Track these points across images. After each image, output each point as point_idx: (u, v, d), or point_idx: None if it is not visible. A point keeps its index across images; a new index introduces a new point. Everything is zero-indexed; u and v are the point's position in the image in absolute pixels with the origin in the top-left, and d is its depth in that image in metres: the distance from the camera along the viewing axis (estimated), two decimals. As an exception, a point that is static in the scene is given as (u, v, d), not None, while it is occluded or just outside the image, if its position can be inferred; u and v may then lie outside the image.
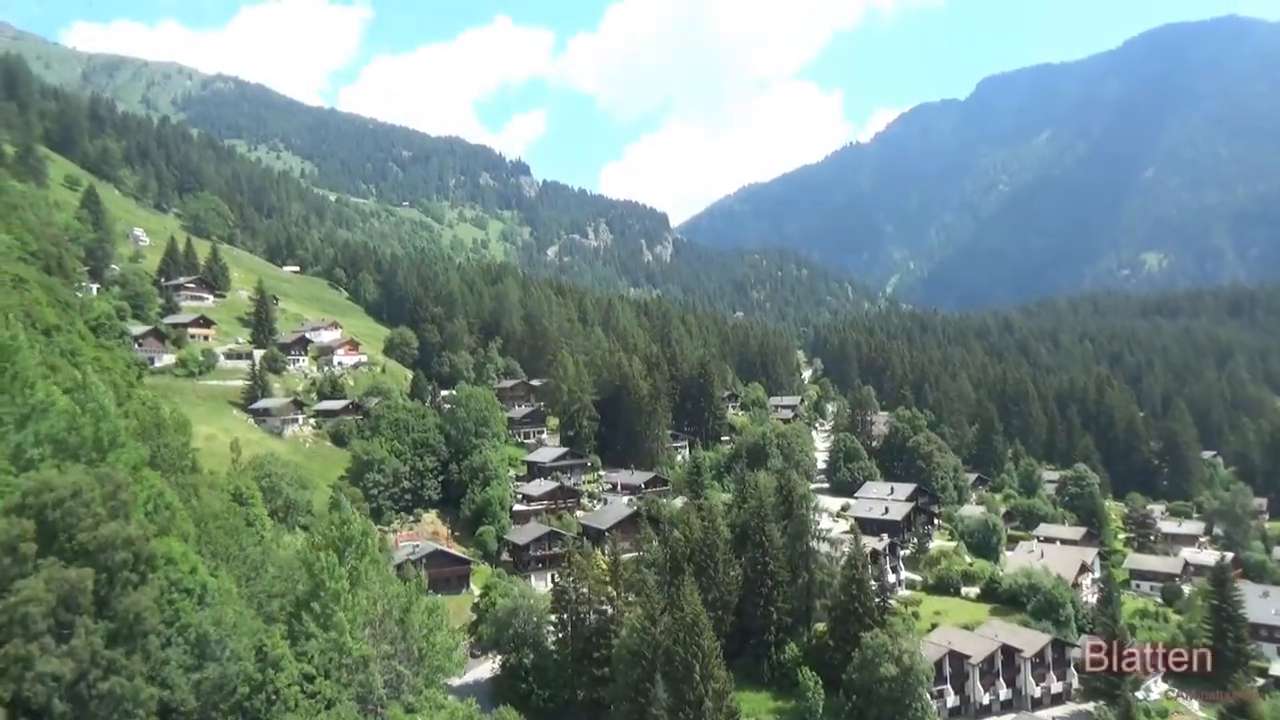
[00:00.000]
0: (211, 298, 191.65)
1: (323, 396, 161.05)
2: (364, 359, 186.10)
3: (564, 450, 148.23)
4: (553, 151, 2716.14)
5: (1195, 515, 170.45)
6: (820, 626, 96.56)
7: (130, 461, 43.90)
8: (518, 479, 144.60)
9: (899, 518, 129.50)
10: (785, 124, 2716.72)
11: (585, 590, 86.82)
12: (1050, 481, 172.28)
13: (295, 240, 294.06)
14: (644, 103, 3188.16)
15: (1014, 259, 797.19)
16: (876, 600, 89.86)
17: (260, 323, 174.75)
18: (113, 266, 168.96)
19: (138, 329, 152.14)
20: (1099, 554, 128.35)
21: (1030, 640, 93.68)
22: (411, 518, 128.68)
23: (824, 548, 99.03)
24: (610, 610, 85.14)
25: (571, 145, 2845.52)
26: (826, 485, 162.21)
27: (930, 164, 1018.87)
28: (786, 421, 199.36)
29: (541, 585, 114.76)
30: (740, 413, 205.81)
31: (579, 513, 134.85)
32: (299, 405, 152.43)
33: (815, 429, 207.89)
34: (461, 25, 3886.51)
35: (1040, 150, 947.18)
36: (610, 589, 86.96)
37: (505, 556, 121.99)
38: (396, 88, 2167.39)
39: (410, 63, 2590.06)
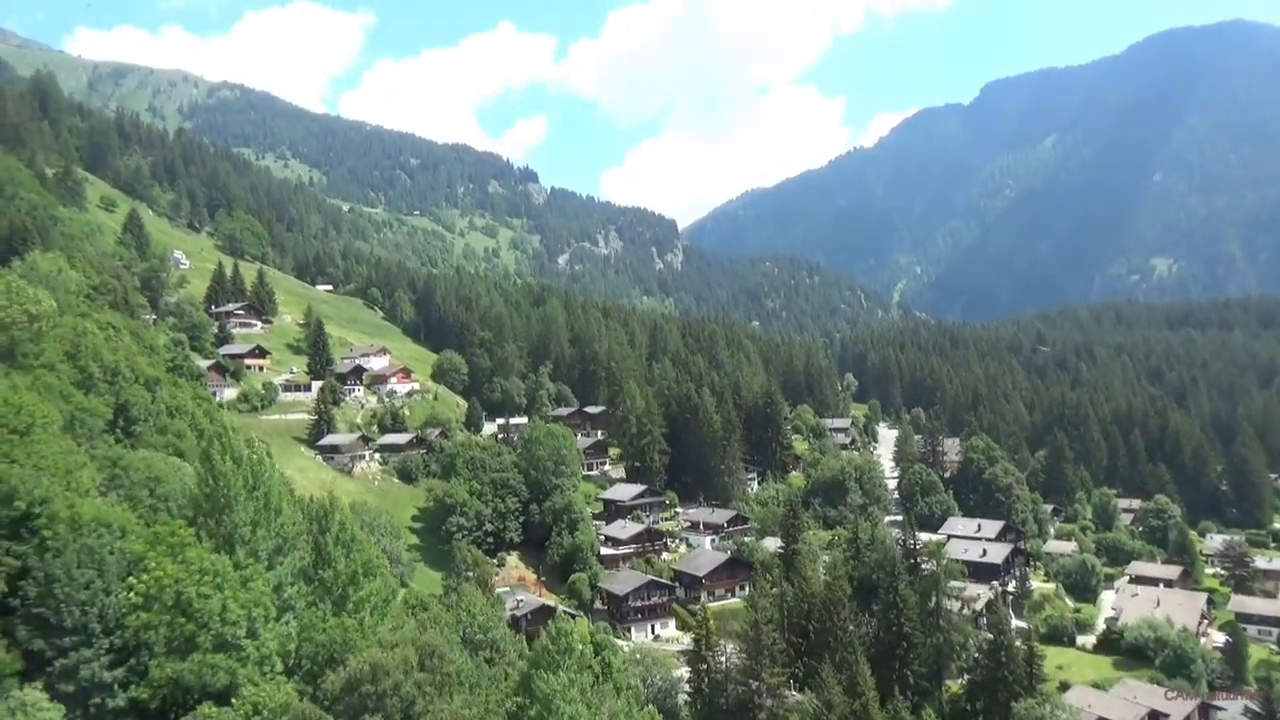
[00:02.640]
0: (260, 324, 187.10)
1: (384, 429, 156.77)
2: (416, 386, 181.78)
3: (642, 488, 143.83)
4: (553, 156, 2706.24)
5: (1273, 545, 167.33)
6: (954, 687, 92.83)
7: (382, 594, 39.77)
8: (594, 517, 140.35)
9: (999, 560, 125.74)
10: (787, 128, 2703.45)
11: (724, 659, 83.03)
12: (1127, 512, 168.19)
13: (324, 257, 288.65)
14: (645, 107, 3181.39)
15: (1021, 264, 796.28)
16: (1025, 665, 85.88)
17: (317, 352, 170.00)
18: (166, 297, 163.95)
19: (199, 363, 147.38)
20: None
21: (1176, 705, 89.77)
22: (495, 561, 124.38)
23: (955, 605, 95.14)
24: (754, 683, 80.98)
25: (572, 150, 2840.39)
26: (900, 518, 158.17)
27: (935, 168, 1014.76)
28: (844, 447, 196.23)
29: (641, 637, 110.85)
30: (795, 437, 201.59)
31: (665, 555, 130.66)
32: (365, 440, 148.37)
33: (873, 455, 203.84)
34: (465, 31, 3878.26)
35: (1046, 155, 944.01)
36: (750, 660, 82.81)
37: (598, 604, 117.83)
38: (398, 93, 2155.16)
39: (412, 68, 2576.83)
